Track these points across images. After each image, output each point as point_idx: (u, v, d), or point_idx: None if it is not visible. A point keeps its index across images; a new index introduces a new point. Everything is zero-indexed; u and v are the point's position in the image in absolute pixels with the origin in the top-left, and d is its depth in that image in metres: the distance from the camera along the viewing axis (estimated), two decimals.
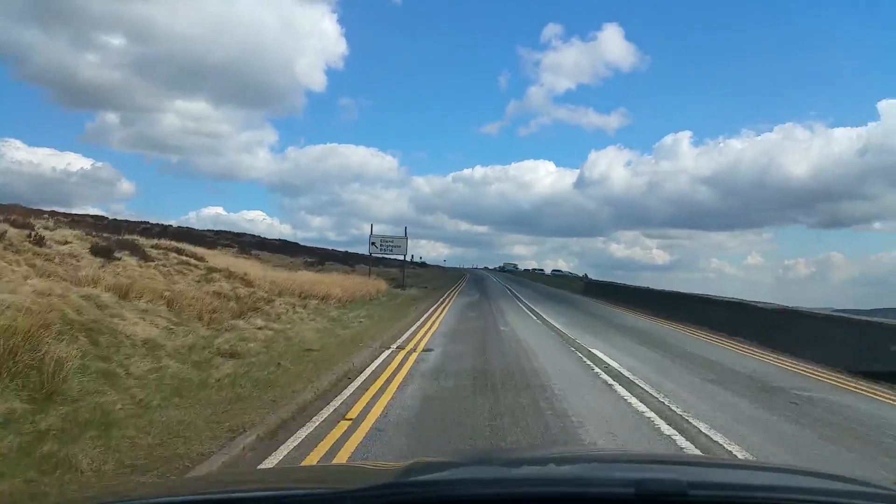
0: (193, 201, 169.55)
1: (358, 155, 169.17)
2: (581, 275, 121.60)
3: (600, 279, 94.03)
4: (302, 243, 62.74)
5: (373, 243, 31.50)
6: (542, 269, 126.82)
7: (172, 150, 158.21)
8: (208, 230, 54.72)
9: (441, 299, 28.03)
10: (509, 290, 45.62)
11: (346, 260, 57.59)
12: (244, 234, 55.32)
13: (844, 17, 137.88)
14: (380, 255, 35.40)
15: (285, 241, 60.87)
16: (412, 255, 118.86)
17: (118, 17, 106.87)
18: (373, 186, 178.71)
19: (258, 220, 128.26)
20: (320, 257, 50.18)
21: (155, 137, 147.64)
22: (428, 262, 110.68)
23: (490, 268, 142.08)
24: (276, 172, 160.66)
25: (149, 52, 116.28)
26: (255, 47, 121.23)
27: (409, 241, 31.73)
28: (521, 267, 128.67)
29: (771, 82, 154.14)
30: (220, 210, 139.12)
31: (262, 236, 59.74)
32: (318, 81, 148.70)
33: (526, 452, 3.68)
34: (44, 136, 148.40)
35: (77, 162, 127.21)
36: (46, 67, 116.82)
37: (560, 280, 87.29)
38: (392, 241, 31.56)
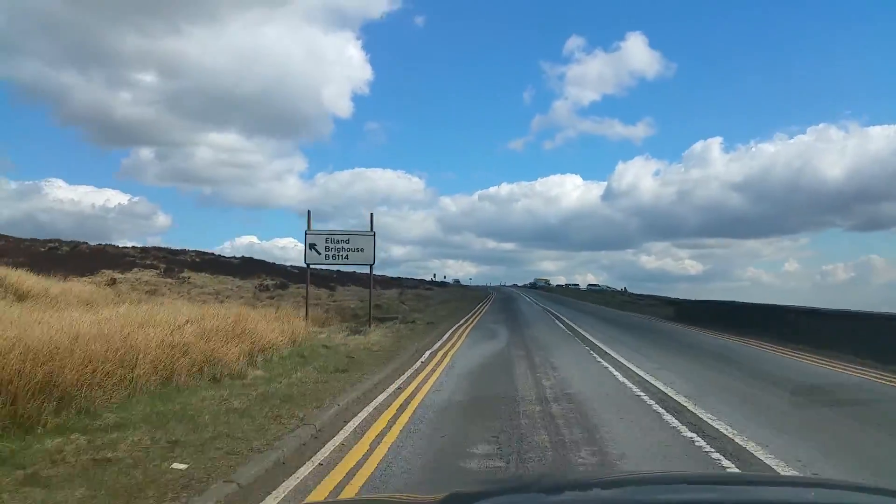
0: (228, 231, 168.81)
1: (385, 178, 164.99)
2: (620, 289, 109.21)
3: (642, 292, 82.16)
4: (282, 262, 49.55)
5: (311, 246, 17.35)
6: (576, 284, 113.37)
7: (206, 182, 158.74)
8: (131, 247, 42.18)
9: (432, 352, 14.36)
10: (554, 315, 31.85)
11: (338, 280, 44.65)
12: (182, 252, 42.39)
13: (874, 12, 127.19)
14: (328, 266, 22.33)
15: (250, 258, 47.83)
16: (433, 275, 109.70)
17: (149, 54, 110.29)
18: (400, 208, 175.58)
19: (290, 248, 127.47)
20: (288, 278, 36.92)
21: (189, 170, 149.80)
22: (450, 282, 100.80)
23: (519, 285, 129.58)
24: (306, 199, 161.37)
25: (180, 87, 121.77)
26: (282, 77, 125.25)
27: (375, 240, 18.05)
28: (553, 283, 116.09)
29: (803, 83, 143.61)
30: (253, 239, 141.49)
31: (225, 256, 46.85)
32: (344, 108, 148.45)
33: (563, 478, 3.48)
34: (83, 175, 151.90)
35: (115, 197, 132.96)
36: (83, 108, 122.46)
37: (601, 296, 74.09)
38: (345, 243, 17.30)
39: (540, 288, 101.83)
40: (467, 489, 2.31)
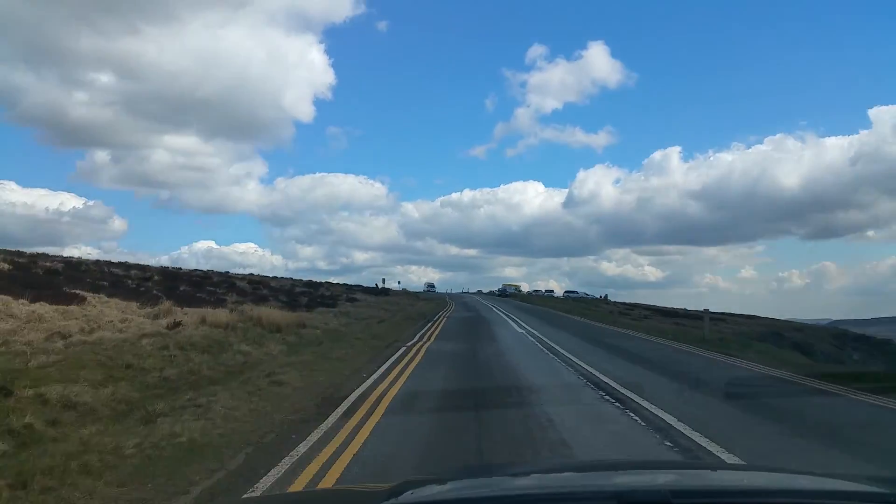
0: (185, 236, 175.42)
1: (346, 183, 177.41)
2: (600, 296, 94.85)
3: (623, 300, 72.07)
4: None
5: None
6: (551, 291, 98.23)
7: (163, 186, 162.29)
8: None
9: None
10: (569, 360, 15.09)
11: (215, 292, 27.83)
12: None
13: (833, 26, 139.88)
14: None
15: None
16: (382, 280, 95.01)
17: (105, 54, 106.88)
18: (361, 214, 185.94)
19: (250, 253, 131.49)
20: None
21: (145, 173, 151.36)
22: (398, 289, 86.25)
23: (485, 292, 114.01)
24: (266, 204, 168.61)
25: (137, 88, 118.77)
26: (243, 80, 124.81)
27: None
28: (524, 290, 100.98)
29: (760, 94, 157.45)
30: (211, 244, 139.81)
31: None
32: (306, 112, 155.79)
33: (511, 467, 3.64)
34: (37, 177, 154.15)
35: (69, 201, 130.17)
36: (37, 108, 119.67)
37: (584, 305, 59.34)
38: None
39: (509, 295, 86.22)
40: (419, 476, 2.62)
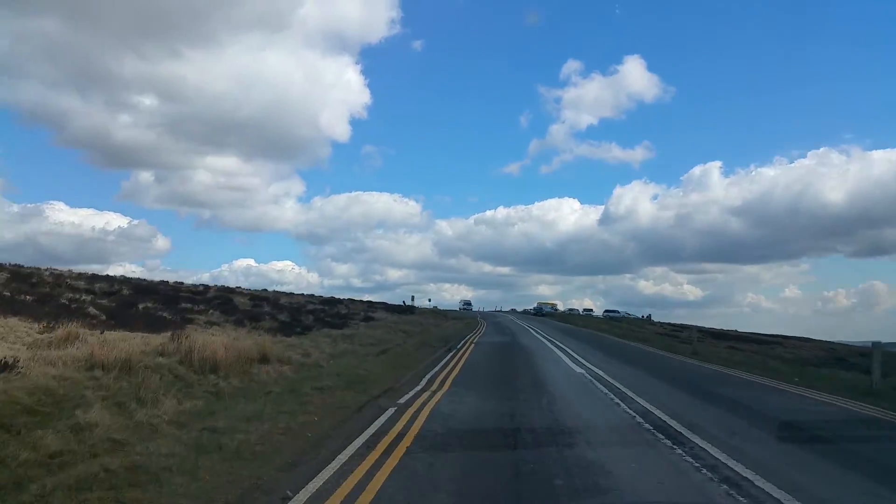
0: (226, 254, 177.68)
1: (381, 201, 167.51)
2: (642, 315, 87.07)
3: (668, 320, 66.92)
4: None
5: None
6: (589, 310, 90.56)
7: (205, 205, 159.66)
8: None
9: None
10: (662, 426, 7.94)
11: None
12: None
13: (876, 36, 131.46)
14: None
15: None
16: (412, 297, 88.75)
17: (148, 77, 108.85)
18: (396, 232, 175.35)
19: (287, 270, 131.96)
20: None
21: (187, 193, 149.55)
22: (442, 306, 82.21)
23: (519, 310, 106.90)
24: (303, 222, 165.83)
25: (179, 110, 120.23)
26: (281, 101, 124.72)
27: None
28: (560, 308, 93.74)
29: (804, 107, 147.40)
30: (251, 262, 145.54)
31: None
32: (342, 131, 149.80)
33: None
34: (84, 198, 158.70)
35: (115, 220, 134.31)
36: (83, 131, 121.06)
37: (628, 327, 52.68)
38: None
39: (546, 314, 79.01)
40: None
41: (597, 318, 79.17)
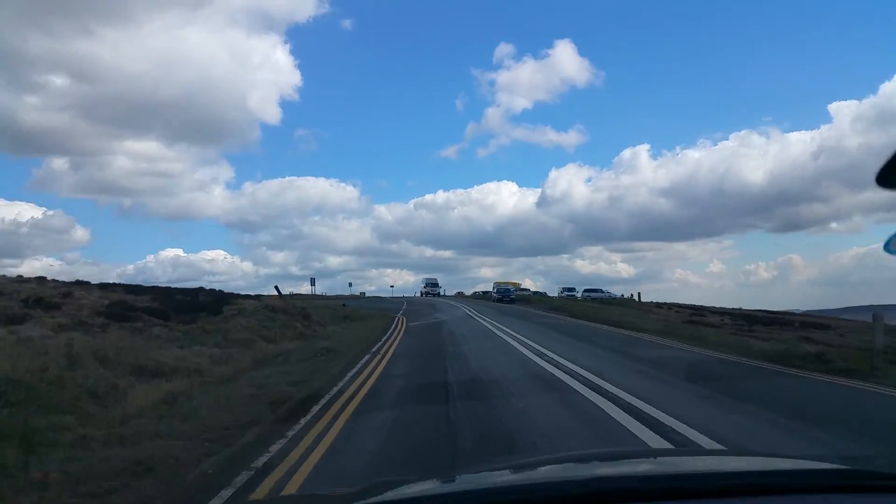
0: (151, 244, 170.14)
1: (317, 187, 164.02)
2: (622, 294, 66.27)
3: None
4: None
5: None
6: (572, 289, 68.04)
7: (126, 193, 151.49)
8: None
9: None
10: None
11: None
12: None
13: (794, 20, 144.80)
14: None
15: None
16: (311, 280, 67.58)
17: (58, 56, 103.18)
18: (334, 218, 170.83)
19: (219, 260, 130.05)
20: None
21: (107, 181, 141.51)
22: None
23: (467, 293, 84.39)
24: (234, 209, 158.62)
25: (93, 91, 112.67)
26: (205, 82, 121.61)
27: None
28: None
29: (726, 90, 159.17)
30: (179, 252, 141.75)
31: None
32: (272, 114, 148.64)
33: (488, 464, 3.18)
34: None
35: (28, 211, 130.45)
36: None
37: (629, 313, 33.25)
38: None
39: (506, 299, 55.96)
40: (390, 477, 2.46)
41: (575, 297, 61.56)
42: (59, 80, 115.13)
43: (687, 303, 61.99)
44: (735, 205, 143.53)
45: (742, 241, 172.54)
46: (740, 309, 57.56)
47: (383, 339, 19.73)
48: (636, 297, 66.31)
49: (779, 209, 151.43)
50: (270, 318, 21.66)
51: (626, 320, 28.33)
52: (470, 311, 37.52)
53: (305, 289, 62.51)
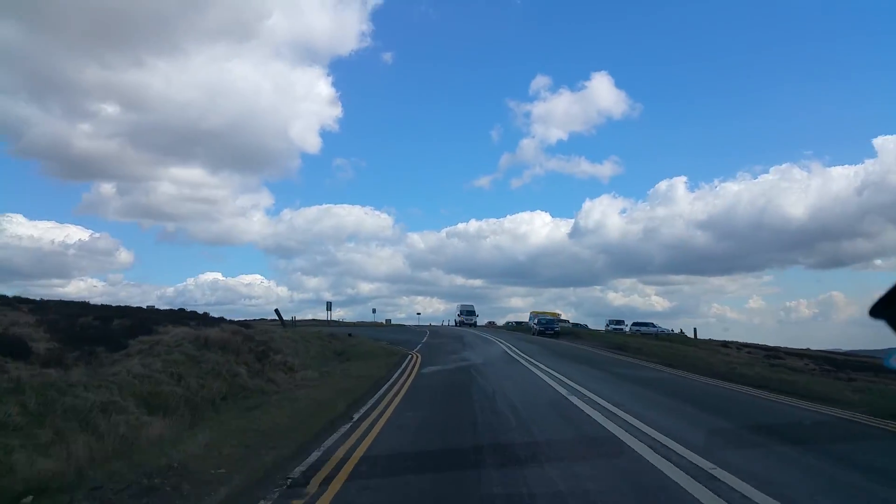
0: (192, 268, 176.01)
1: (353, 214, 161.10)
2: (671, 330, 57.03)
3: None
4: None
5: None
6: (620, 322, 59.15)
7: (169, 218, 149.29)
8: None
9: None
10: None
11: None
12: None
13: (836, 54, 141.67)
14: None
15: None
16: (327, 304, 57.17)
17: (110, 86, 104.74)
18: (367, 245, 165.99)
19: (256, 284, 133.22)
20: None
21: (151, 206, 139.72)
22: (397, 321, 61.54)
23: (498, 323, 75.70)
24: (272, 235, 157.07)
25: (142, 120, 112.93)
26: (249, 112, 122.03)
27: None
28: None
29: (766, 124, 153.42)
30: (218, 275, 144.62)
31: None
32: (312, 143, 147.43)
33: None
34: (44, 210, 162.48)
35: (76, 233, 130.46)
36: (42, 140, 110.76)
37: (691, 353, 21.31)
38: None
39: (550, 332, 47.38)
40: None
41: (624, 332, 54.45)
42: (110, 109, 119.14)
43: (730, 339, 54.76)
44: (775, 239, 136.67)
45: (782, 276, 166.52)
46: (808, 349, 51.70)
47: (368, 405, 11.05)
48: (683, 332, 57.75)
49: (820, 245, 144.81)
50: (193, 360, 13.05)
51: (747, 374, 19.16)
52: (509, 347, 28.48)
53: (322, 315, 56.38)
